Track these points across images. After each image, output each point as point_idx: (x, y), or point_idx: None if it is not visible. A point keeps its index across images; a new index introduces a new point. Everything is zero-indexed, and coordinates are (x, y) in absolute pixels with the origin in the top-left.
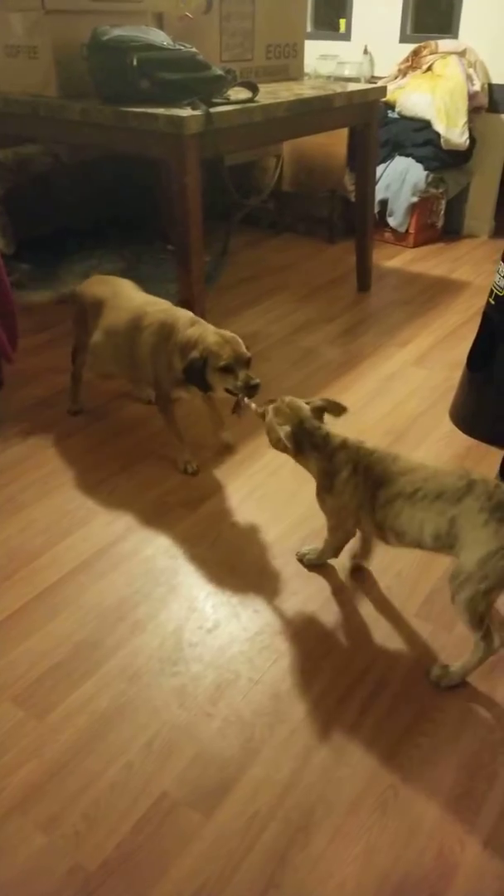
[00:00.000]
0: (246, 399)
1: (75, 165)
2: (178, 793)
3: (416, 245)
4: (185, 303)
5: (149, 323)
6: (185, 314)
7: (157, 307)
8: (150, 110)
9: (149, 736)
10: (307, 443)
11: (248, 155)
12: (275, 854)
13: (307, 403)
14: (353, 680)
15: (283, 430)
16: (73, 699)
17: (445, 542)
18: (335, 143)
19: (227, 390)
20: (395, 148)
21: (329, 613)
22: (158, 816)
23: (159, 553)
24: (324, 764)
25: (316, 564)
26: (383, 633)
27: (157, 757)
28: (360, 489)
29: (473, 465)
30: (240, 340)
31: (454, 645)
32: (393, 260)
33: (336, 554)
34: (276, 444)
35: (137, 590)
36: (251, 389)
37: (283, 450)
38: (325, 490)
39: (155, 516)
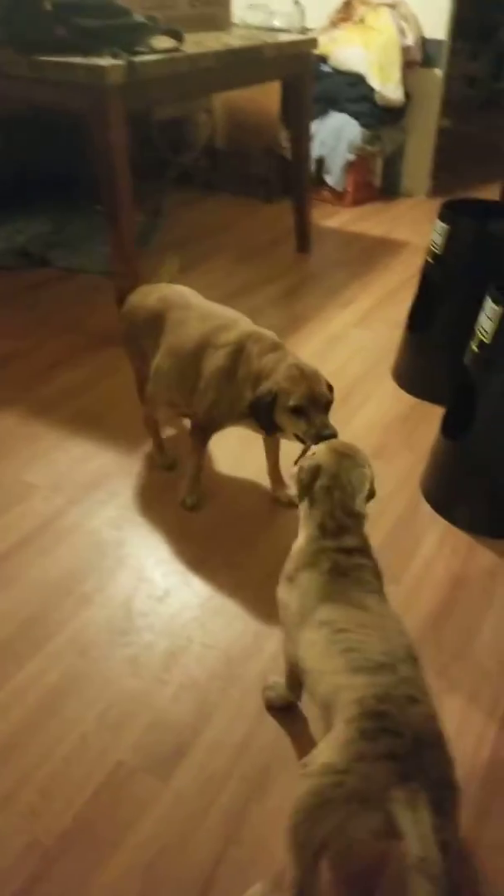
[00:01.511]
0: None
1: None
2: (135, 760)
3: (354, 204)
4: (117, 268)
5: (225, 342)
6: (267, 336)
7: (237, 323)
8: (67, 59)
9: (102, 707)
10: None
11: (177, 109)
12: (233, 812)
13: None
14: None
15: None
16: (21, 677)
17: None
18: (268, 98)
19: (297, 436)
20: (330, 103)
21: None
22: (115, 785)
23: (104, 525)
24: (276, 723)
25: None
26: None
27: (112, 727)
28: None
29: (415, 425)
30: (322, 377)
31: (402, 593)
32: (331, 220)
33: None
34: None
35: (83, 563)
36: (323, 440)
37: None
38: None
39: (97, 488)
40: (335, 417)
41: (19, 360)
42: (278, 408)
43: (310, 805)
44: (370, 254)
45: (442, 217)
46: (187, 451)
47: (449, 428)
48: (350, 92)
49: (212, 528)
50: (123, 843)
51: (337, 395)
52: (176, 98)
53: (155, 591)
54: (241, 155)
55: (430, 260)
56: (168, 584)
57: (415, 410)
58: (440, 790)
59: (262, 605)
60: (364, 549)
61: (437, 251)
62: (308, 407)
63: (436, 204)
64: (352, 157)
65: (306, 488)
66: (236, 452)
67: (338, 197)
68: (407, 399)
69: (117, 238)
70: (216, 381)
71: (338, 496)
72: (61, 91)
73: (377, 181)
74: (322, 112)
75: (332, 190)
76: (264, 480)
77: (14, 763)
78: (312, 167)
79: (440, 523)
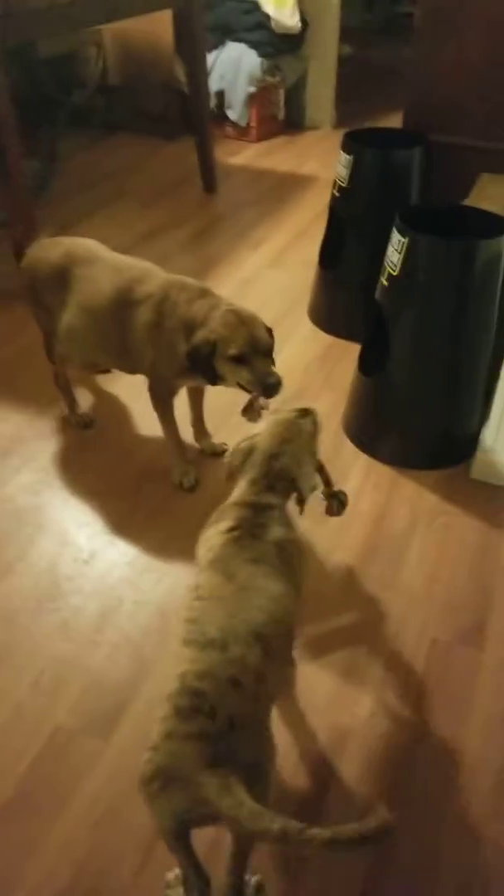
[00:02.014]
0: (262, 399)
1: None
2: (74, 724)
3: (259, 139)
4: (11, 218)
5: (145, 295)
6: (191, 283)
7: (151, 273)
8: None
9: (35, 674)
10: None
11: (63, 44)
12: None
13: None
14: None
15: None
16: None
17: None
18: (160, 28)
19: (240, 385)
20: (226, 33)
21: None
22: (55, 750)
23: (20, 492)
24: None
25: None
26: None
27: (47, 693)
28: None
29: (334, 364)
30: (260, 321)
31: (329, 532)
32: (237, 156)
33: None
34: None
35: (0, 533)
36: (269, 389)
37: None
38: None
39: (9, 454)
40: None
41: None
42: (218, 357)
43: (139, 782)
44: (279, 190)
45: (345, 148)
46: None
47: (365, 364)
48: (245, 20)
49: (135, 485)
50: (68, 805)
51: None
52: (59, 30)
53: (80, 554)
54: (138, 91)
55: (336, 194)
56: (93, 545)
57: (333, 349)
58: (252, 774)
59: (189, 559)
60: (277, 513)
61: (342, 184)
62: (249, 354)
63: (342, 134)
64: (253, 89)
65: (236, 470)
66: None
67: (242, 132)
68: (324, 338)
69: (8, 186)
70: (148, 336)
71: (275, 465)
72: None
73: (281, 114)
74: (218, 42)
75: (235, 125)
76: (188, 433)
77: None
78: (213, 102)
79: (363, 459)
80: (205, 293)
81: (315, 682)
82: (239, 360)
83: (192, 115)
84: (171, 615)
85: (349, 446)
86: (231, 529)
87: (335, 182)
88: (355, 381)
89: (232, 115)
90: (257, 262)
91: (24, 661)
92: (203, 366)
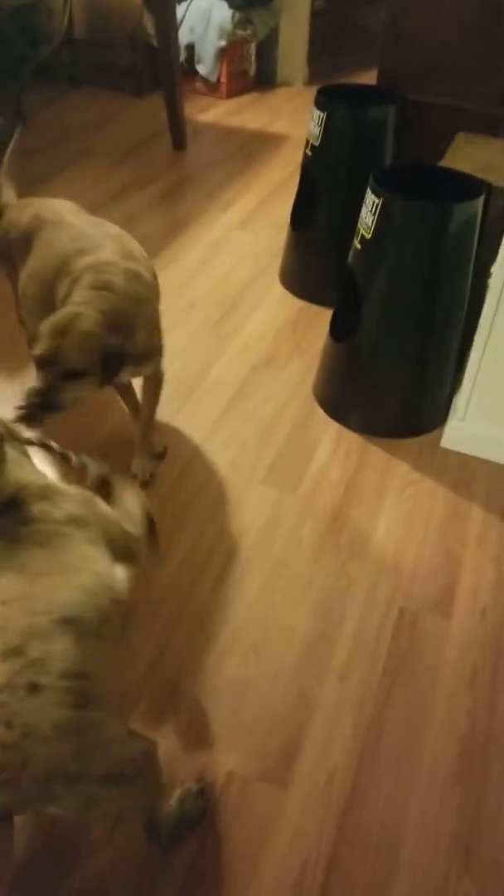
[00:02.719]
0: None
1: None
2: None
3: (229, 95)
4: None
5: (74, 269)
6: (112, 270)
7: (101, 248)
8: None
9: None
10: None
11: None
12: (148, 724)
13: None
14: (204, 555)
15: None
16: None
17: None
18: None
19: None
20: None
21: (177, 495)
22: None
23: None
24: (185, 636)
25: None
26: (232, 504)
27: None
28: None
29: (305, 329)
30: (58, 338)
31: (299, 505)
32: (207, 113)
33: None
34: None
35: None
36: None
37: None
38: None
39: None
40: (225, 326)
41: None
42: None
43: None
44: (250, 149)
45: (318, 104)
46: None
47: (337, 330)
48: None
49: (107, 449)
50: None
51: (224, 303)
52: None
53: None
54: (105, 45)
55: (308, 153)
56: None
57: (304, 314)
58: (40, 784)
59: (159, 528)
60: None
61: (314, 143)
62: (38, 364)
63: (314, 92)
64: (223, 43)
65: None
66: None
67: (212, 88)
68: (295, 303)
69: None
70: None
71: None
72: None
73: (252, 69)
74: None
75: (205, 80)
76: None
77: None
78: (182, 56)
79: (334, 427)
80: (106, 286)
81: (282, 647)
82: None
83: (160, 70)
84: (138, 582)
85: (320, 413)
86: None
87: (307, 141)
88: (326, 347)
89: (202, 69)
90: (227, 223)
91: None
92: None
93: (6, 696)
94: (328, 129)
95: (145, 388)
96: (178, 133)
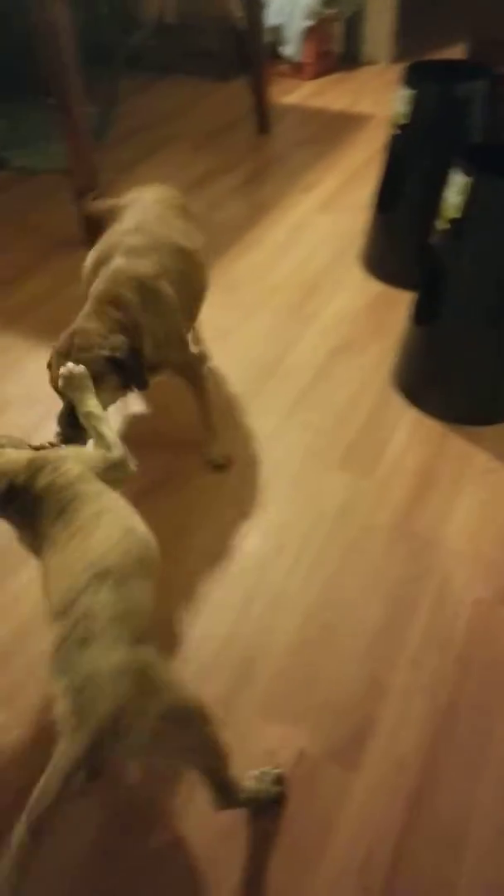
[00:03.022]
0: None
1: None
2: None
3: (314, 76)
4: (73, 164)
5: (109, 268)
6: (113, 280)
7: (130, 251)
8: None
9: None
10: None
11: None
12: (221, 699)
13: None
14: (280, 535)
15: None
16: (16, 582)
17: None
18: None
19: None
20: None
21: (255, 475)
22: None
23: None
24: (260, 613)
25: None
26: (308, 487)
27: None
28: (30, 548)
29: (385, 313)
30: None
31: (375, 491)
32: (291, 95)
33: None
34: None
35: None
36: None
37: None
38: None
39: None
40: (304, 310)
41: None
42: None
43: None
44: (333, 130)
45: (406, 81)
46: None
47: (419, 314)
48: None
49: (181, 438)
50: None
51: (303, 286)
52: None
53: None
54: (194, 30)
55: (394, 132)
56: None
57: (384, 298)
58: (111, 722)
59: (236, 506)
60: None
61: (401, 121)
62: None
63: (400, 70)
64: (310, 22)
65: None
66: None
67: (296, 69)
68: (376, 286)
69: (71, 130)
70: None
71: None
72: None
73: (337, 48)
74: None
75: (289, 62)
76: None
77: (16, 670)
78: (268, 38)
79: (412, 413)
80: (98, 300)
81: (355, 630)
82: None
83: (246, 54)
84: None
85: (398, 399)
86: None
87: (393, 119)
88: (407, 331)
89: (287, 51)
90: (309, 206)
91: None
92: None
93: (63, 652)
94: (417, 107)
95: (189, 386)
96: (263, 116)
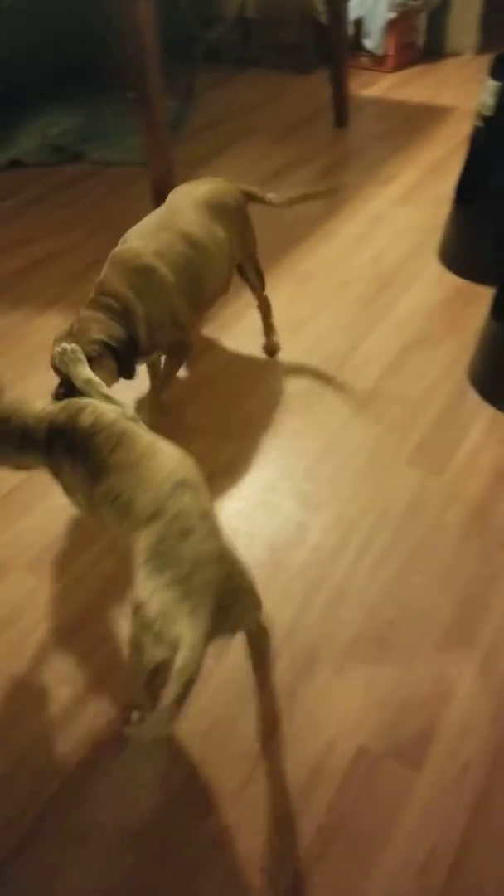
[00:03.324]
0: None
1: (18, 9)
2: None
3: (395, 69)
4: (151, 157)
5: (114, 252)
6: (117, 270)
7: (137, 241)
8: None
9: None
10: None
11: None
12: (283, 689)
13: None
14: (346, 528)
15: None
16: (80, 565)
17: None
18: None
19: None
20: None
21: (322, 467)
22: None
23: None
24: (323, 606)
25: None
26: (376, 481)
27: None
28: (82, 481)
29: (462, 308)
30: (85, 334)
31: (445, 489)
32: (371, 88)
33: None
34: None
35: None
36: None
37: None
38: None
39: (138, 388)
40: (378, 303)
41: (59, 259)
42: None
43: (132, 639)
44: (413, 123)
45: (494, 73)
46: None
47: (499, 309)
48: None
49: (253, 421)
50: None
51: (378, 279)
52: None
53: None
54: (274, 23)
55: (478, 124)
56: (211, 480)
57: (462, 293)
58: (224, 598)
59: (303, 497)
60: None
61: (486, 113)
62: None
63: (485, 62)
64: (393, 14)
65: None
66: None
67: (377, 62)
68: (453, 281)
69: (150, 124)
70: None
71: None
72: None
73: (420, 40)
74: None
75: (370, 55)
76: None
77: (78, 642)
78: (350, 30)
79: (488, 411)
80: (101, 288)
81: (421, 628)
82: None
83: (327, 47)
84: (279, 549)
85: (473, 396)
86: (81, 453)
87: (478, 112)
88: (485, 327)
89: (369, 43)
90: (386, 198)
91: None
92: None
93: (166, 544)
94: (502, 99)
95: (167, 357)
96: (341, 109)
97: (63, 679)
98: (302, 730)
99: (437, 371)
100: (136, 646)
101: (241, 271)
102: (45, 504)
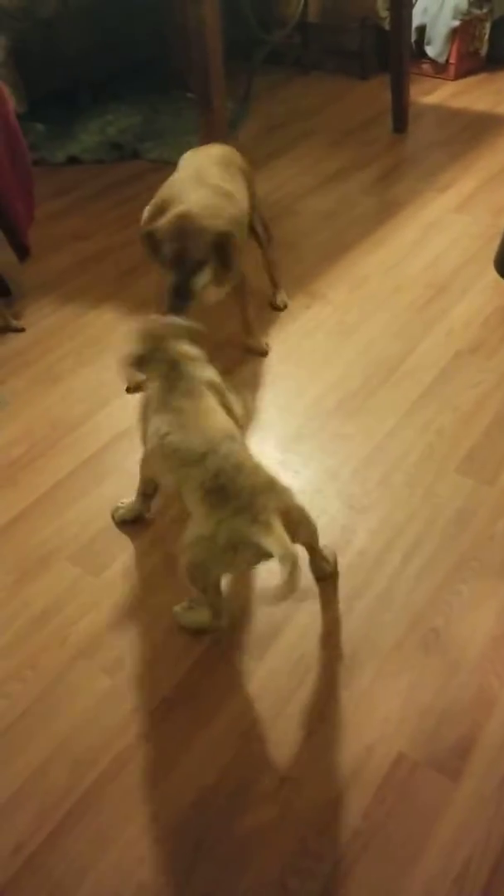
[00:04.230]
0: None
1: (81, 9)
2: (227, 638)
3: (457, 77)
4: None
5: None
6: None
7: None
8: None
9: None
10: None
11: None
12: (322, 692)
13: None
14: (393, 533)
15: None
16: (124, 558)
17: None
18: None
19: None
20: None
21: (369, 470)
22: (212, 660)
23: None
24: (366, 610)
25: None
26: (424, 487)
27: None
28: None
29: None
30: (203, 234)
31: (495, 498)
32: (431, 95)
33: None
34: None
35: None
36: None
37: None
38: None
39: None
40: (431, 310)
41: (113, 255)
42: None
43: (196, 565)
44: (473, 132)
45: None
46: None
47: None
48: None
49: (299, 427)
50: (220, 711)
51: (432, 286)
52: None
53: None
54: (336, 28)
55: None
56: None
57: None
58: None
59: (346, 498)
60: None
61: None
62: (171, 260)
63: None
64: (457, 22)
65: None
66: (322, 357)
67: (439, 69)
68: None
69: (209, 125)
70: None
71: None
72: None
73: (484, 49)
74: None
75: (432, 62)
76: (345, 381)
77: (121, 633)
78: (413, 37)
79: None
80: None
81: (465, 638)
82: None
83: (389, 52)
84: None
85: None
86: (160, 383)
87: None
88: None
89: (431, 51)
90: (443, 205)
91: None
92: (151, 250)
93: (223, 478)
94: None
95: (238, 300)
96: (400, 115)
97: (105, 670)
98: (341, 733)
99: (490, 380)
100: (201, 570)
101: (251, 224)
102: (90, 497)
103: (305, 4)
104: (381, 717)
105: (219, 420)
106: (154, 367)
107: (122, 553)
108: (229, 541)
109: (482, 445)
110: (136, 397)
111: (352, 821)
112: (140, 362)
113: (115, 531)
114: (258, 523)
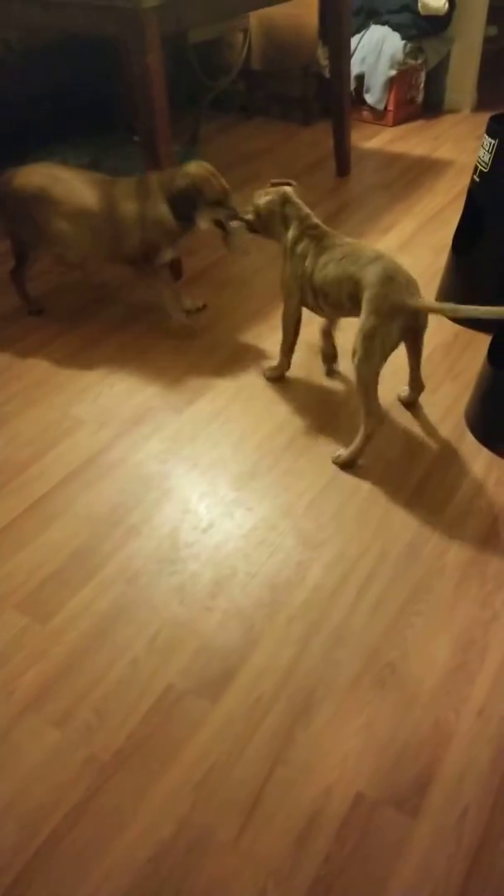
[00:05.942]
0: (233, 223)
1: (26, 53)
2: (184, 684)
3: (395, 123)
4: None
5: (123, 191)
6: (151, 173)
7: (116, 179)
8: None
9: (151, 633)
10: (280, 221)
11: (213, 30)
12: (279, 734)
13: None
14: (347, 568)
15: (263, 199)
16: (73, 603)
17: (356, 302)
18: (306, 13)
19: (217, 222)
20: (370, 16)
21: (323, 505)
22: (166, 706)
23: (148, 459)
24: (322, 648)
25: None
26: (376, 521)
27: (161, 652)
28: (309, 257)
29: (460, 353)
30: (216, 172)
31: (446, 525)
32: (372, 140)
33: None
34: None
35: (129, 496)
36: (239, 220)
37: (257, 222)
38: (288, 259)
39: (141, 422)
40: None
41: (67, 295)
42: (201, 202)
43: (366, 357)
44: (412, 175)
45: (489, 131)
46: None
47: (495, 355)
48: (391, 3)
49: (252, 463)
50: (175, 760)
51: None
52: (212, 18)
53: (200, 522)
54: (278, 76)
55: (476, 178)
56: (212, 515)
57: (459, 338)
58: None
59: (302, 536)
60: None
61: (483, 169)
62: (224, 198)
63: (481, 119)
64: (393, 72)
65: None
66: (271, 397)
67: (378, 116)
68: (451, 327)
69: (155, 168)
70: (138, 222)
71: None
72: (97, 15)
73: (420, 97)
74: (362, 26)
75: (371, 109)
76: (294, 420)
77: (71, 683)
78: (352, 85)
79: (485, 455)
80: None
81: (420, 671)
82: (217, 202)
83: (330, 99)
84: (280, 589)
85: (470, 439)
86: (313, 239)
87: (476, 167)
88: (483, 373)
89: (370, 98)
90: (386, 246)
91: (143, 619)
92: (188, 207)
93: (394, 274)
94: (499, 156)
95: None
96: (343, 160)
97: (54, 722)
98: (300, 776)
99: (436, 414)
100: (370, 364)
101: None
102: (37, 542)
103: (249, 52)
104: (340, 757)
105: (366, 245)
106: (292, 220)
107: (71, 598)
108: (392, 307)
109: (430, 477)
110: (84, 440)
111: (313, 866)
112: (284, 218)
113: (63, 576)
114: (413, 297)
